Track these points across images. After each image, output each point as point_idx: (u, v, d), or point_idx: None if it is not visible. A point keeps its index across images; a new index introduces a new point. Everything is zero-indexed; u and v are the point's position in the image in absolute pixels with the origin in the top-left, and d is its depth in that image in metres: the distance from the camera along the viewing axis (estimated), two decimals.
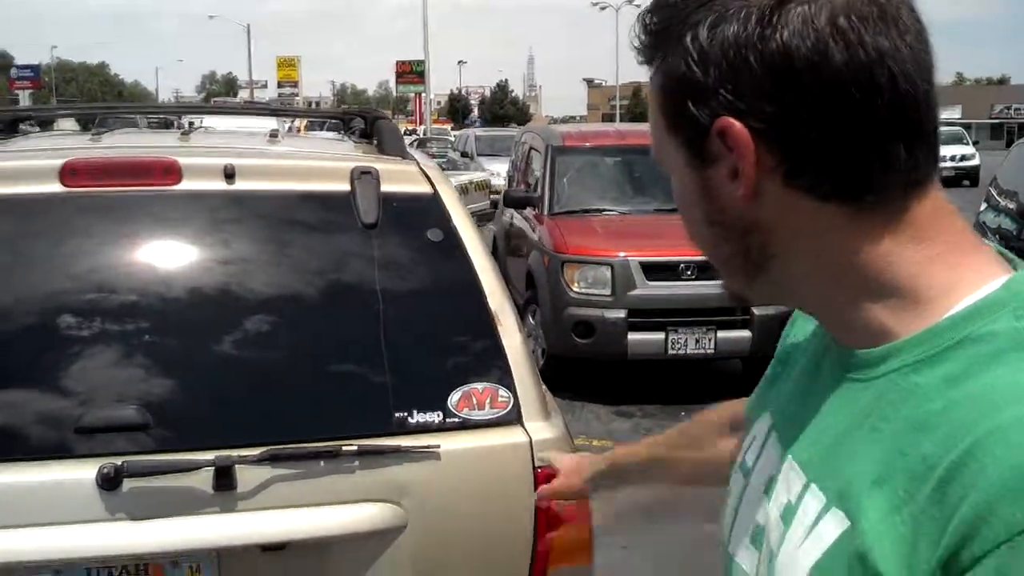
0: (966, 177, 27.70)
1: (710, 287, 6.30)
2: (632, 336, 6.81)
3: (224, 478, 1.81)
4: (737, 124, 0.77)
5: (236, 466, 1.81)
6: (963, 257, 0.79)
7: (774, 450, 0.92)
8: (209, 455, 1.81)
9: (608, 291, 6.90)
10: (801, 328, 1.02)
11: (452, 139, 31.58)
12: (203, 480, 1.81)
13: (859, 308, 0.81)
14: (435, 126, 47.63)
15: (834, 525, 0.75)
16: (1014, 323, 0.73)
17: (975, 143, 32.74)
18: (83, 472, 1.78)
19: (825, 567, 0.75)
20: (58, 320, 1.92)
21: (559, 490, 1.62)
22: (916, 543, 0.68)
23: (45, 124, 3.51)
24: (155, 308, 1.98)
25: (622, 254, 6.93)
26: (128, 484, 1.78)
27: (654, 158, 0.91)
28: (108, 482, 1.77)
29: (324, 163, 2.34)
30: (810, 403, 0.87)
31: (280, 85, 60.18)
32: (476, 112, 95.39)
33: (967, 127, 38.26)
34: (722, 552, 1.01)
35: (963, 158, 29.23)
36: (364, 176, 2.14)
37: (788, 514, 0.83)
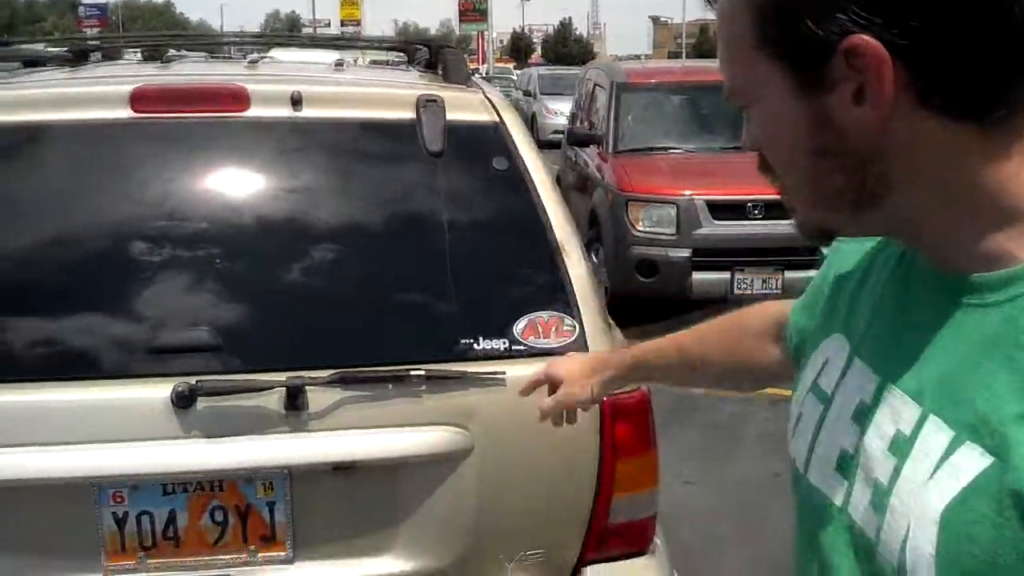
0: None
1: (778, 226, 6.21)
2: (696, 276, 6.76)
3: (295, 399, 1.84)
4: (872, 40, 0.72)
5: (306, 387, 1.84)
6: None
7: (863, 376, 0.88)
8: (280, 376, 1.84)
9: (672, 230, 6.83)
10: (853, 250, 0.99)
11: (515, 78, 31.36)
12: (274, 401, 1.85)
13: (977, 232, 0.77)
14: (497, 65, 47.27)
15: (972, 461, 0.71)
16: None
17: None
18: (158, 391, 1.82)
19: (963, 506, 0.71)
20: (129, 245, 1.95)
21: (562, 402, 1.49)
22: None
23: (113, 57, 3.55)
24: (225, 233, 2.01)
25: (687, 192, 6.85)
26: (202, 403, 1.82)
27: (728, 93, 0.85)
28: (182, 401, 1.81)
29: (390, 91, 2.33)
30: (908, 329, 0.83)
31: (343, 24, 59.97)
32: (539, 52, 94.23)
33: None
34: (795, 479, 0.98)
35: None
36: (429, 104, 2.13)
37: (900, 446, 0.79)
